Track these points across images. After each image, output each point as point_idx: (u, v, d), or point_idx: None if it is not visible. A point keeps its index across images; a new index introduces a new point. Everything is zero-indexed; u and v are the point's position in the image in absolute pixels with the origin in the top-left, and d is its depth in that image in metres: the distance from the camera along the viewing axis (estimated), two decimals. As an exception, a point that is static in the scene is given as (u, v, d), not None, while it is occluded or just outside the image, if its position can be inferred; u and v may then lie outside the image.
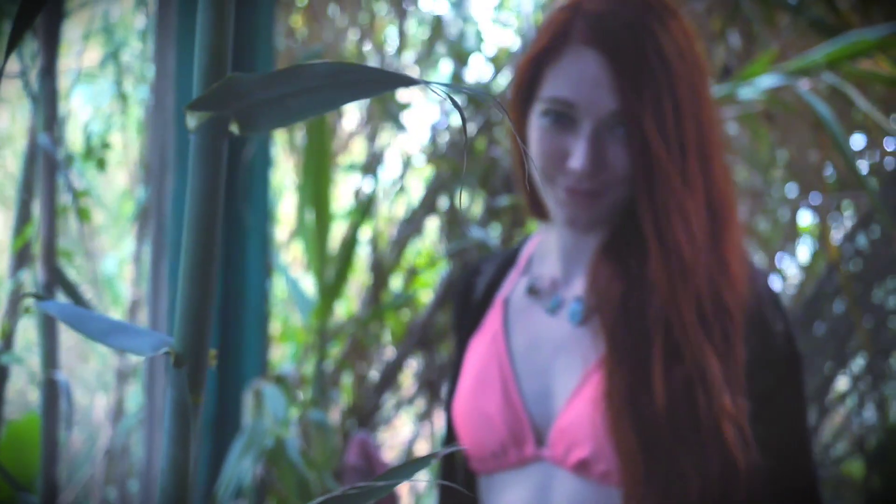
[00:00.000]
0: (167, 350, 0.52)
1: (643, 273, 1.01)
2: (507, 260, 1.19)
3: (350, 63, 0.45)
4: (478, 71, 2.53)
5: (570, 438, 1.02)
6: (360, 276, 2.73)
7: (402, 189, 2.61)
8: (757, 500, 0.98)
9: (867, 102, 1.69)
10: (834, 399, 2.32)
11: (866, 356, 2.23)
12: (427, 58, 2.60)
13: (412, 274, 2.56)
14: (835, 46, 1.61)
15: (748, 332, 1.01)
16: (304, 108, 0.47)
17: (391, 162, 2.60)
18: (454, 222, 2.37)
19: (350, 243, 2.10)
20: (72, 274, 1.87)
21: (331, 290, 2.04)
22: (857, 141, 2.32)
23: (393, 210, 2.65)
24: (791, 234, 2.58)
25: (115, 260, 3.01)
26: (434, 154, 2.45)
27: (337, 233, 2.34)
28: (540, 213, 1.12)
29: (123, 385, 2.49)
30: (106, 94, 2.42)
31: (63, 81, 1.94)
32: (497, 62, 2.44)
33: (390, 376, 2.42)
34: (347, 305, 2.77)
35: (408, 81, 0.45)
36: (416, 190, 2.66)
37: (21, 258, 1.47)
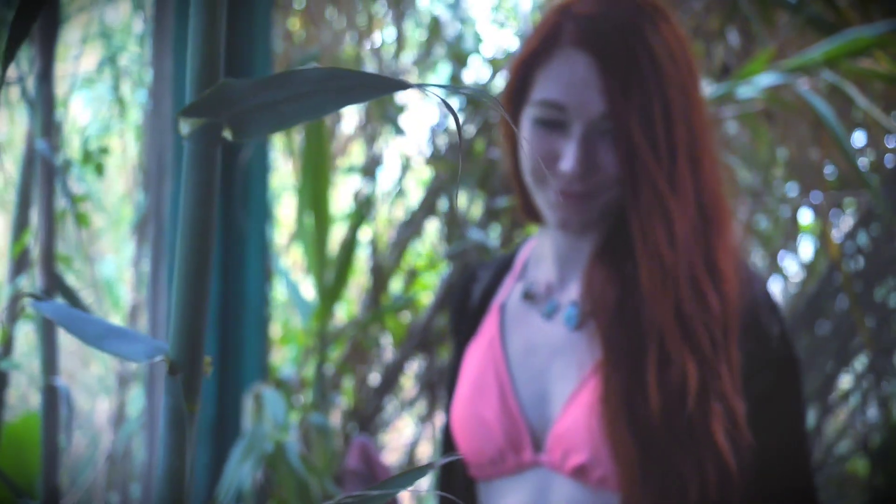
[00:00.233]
0: (162, 357, 0.52)
1: (636, 277, 1.00)
2: (503, 265, 1.19)
3: (342, 69, 0.45)
4: (476, 72, 2.52)
5: (568, 444, 1.01)
6: (360, 279, 2.73)
7: (401, 191, 2.61)
8: (755, 503, 0.98)
9: (866, 100, 1.68)
10: (837, 398, 2.31)
11: (869, 354, 2.23)
12: (425, 59, 2.60)
13: (412, 276, 2.55)
14: (833, 44, 1.60)
15: (744, 337, 1.01)
16: (297, 114, 0.47)
17: (390, 164, 2.60)
18: (454, 224, 2.37)
19: (349, 246, 2.09)
20: (71, 279, 1.87)
21: (330, 292, 2.03)
22: (858, 139, 2.31)
23: (392, 212, 2.64)
24: (792, 233, 2.57)
25: (115, 264, 3.01)
26: (433, 156, 2.45)
27: (336, 236, 2.34)
28: (534, 216, 1.11)
29: (125, 389, 2.49)
30: (105, 99, 2.41)
31: (62, 86, 1.94)
32: (495, 63, 2.44)
33: (391, 379, 2.42)
34: (348, 308, 2.76)
35: (401, 85, 0.45)
36: (415, 192, 2.66)
37: (19, 264, 1.47)
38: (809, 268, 2.56)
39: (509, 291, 1.15)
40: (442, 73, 2.61)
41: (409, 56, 2.68)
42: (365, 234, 2.46)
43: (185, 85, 0.49)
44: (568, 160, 1.00)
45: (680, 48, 1.02)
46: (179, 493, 0.51)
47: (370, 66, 2.50)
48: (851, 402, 2.34)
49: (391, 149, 2.59)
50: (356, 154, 2.76)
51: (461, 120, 2.36)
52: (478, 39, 2.50)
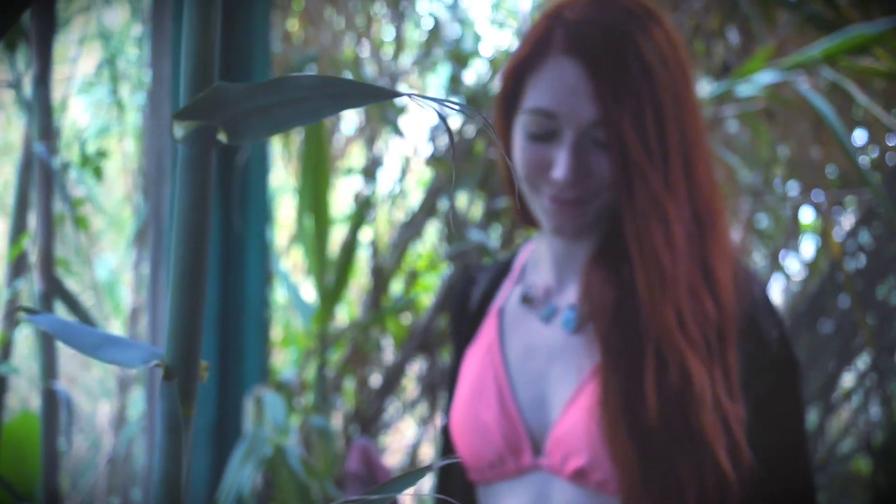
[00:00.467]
0: (157, 363, 0.51)
1: (634, 280, 1.00)
2: (501, 269, 1.19)
3: (335, 77, 0.45)
4: (476, 72, 2.52)
5: (567, 447, 1.01)
6: (360, 280, 2.72)
7: (401, 192, 2.61)
8: None
9: (867, 98, 1.68)
10: (840, 397, 2.31)
11: (871, 353, 2.22)
12: (425, 60, 2.59)
13: (413, 277, 2.55)
14: (833, 42, 1.60)
15: (743, 340, 1.00)
16: (291, 118, 0.47)
17: (390, 165, 2.60)
18: (454, 226, 2.36)
19: (350, 247, 2.09)
20: (71, 282, 1.86)
21: (331, 294, 2.03)
22: (859, 137, 2.31)
23: (392, 213, 2.64)
24: (793, 232, 2.57)
25: (115, 267, 3.00)
26: (433, 157, 2.45)
27: (337, 237, 2.33)
28: (530, 221, 1.11)
29: (126, 393, 2.49)
30: (103, 102, 2.41)
31: (61, 89, 1.94)
32: (495, 64, 2.43)
33: (392, 380, 2.42)
34: (349, 310, 2.76)
35: (391, 94, 0.45)
36: (415, 193, 2.65)
37: (18, 267, 1.46)
38: (811, 266, 2.56)
39: (508, 295, 1.15)
40: (442, 73, 2.61)
41: (408, 57, 2.67)
42: (365, 235, 2.46)
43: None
44: (560, 168, 1.00)
45: (672, 52, 1.01)
46: (176, 499, 0.51)
47: (369, 68, 2.50)
48: (854, 401, 2.33)
49: (391, 150, 2.58)
50: (356, 155, 2.75)
51: (461, 121, 2.35)
52: (477, 40, 2.50)
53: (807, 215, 2.58)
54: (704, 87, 2.00)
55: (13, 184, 1.50)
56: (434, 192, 2.41)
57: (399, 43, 2.56)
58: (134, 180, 2.57)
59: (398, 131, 2.32)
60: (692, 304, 0.99)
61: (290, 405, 1.87)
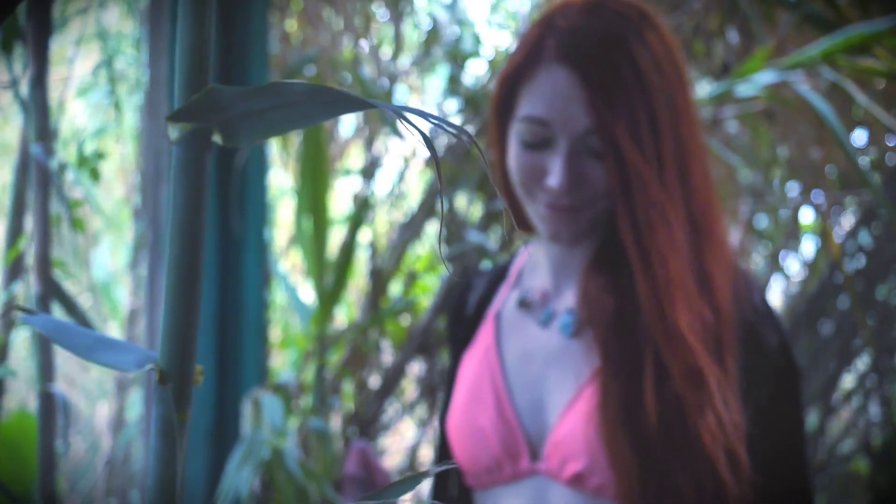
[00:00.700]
0: (152, 367, 0.51)
1: (633, 285, 1.00)
2: (498, 274, 1.19)
3: (327, 86, 0.46)
4: (475, 73, 2.51)
5: (565, 452, 1.01)
6: (359, 282, 2.72)
7: (400, 193, 2.60)
8: None
9: (867, 98, 1.68)
10: (840, 397, 2.31)
11: (871, 354, 2.22)
12: (424, 61, 2.59)
13: (412, 279, 2.54)
14: (832, 41, 1.60)
15: (742, 347, 1.00)
16: (284, 122, 0.47)
17: (389, 166, 2.59)
18: (455, 225, 2.36)
19: (348, 249, 2.08)
20: (68, 284, 1.86)
21: (330, 296, 2.02)
22: (859, 137, 2.30)
23: (391, 215, 2.63)
24: (793, 232, 2.57)
25: (113, 269, 3.00)
26: (432, 158, 2.43)
27: (335, 238, 2.33)
28: (527, 226, 1.11)
29: (124, 394, 2.48)
30: (102, 102, 2.41)
31: (59, 90, 1.93)
32: (494, 65, 2.43)
33: (391, 382, 2.41)
34: (348, 311, 2.75)
35: (381, 106, 0.45)
36: (414, 194, 2.65)
37: (15, 269, 1.46)
38: (811, 267, 2.55)
39: (505, 300, 1.15)
40: (441, 74, 2.61)
41: (407, 58, 2.67)
42: (364, 236, 2.45)
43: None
44: (555, 176, 0.99)
45: (667, 56, 1.01)
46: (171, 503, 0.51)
47: (368, 68, 2.49)
48: (854, 402, 2.33)
49: (390, 151, 2.58)
50: (355, 156, 2.75)
51: (460, 121, 2.35)
52: (476, 41, 2.49)
53: (806, 216, 2.57)
54: (704, 88, 2.00)
55: (10, 185, 1.49)
56: (433, 194, 2.41)
57: (398, 43, 2.56)
58: (132, 181, 2.57)
59: (397, 132, 2.31)
60: (690, 310, 0.98)
61: (289, 407, 1.86)
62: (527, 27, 1.07)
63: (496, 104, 1.06)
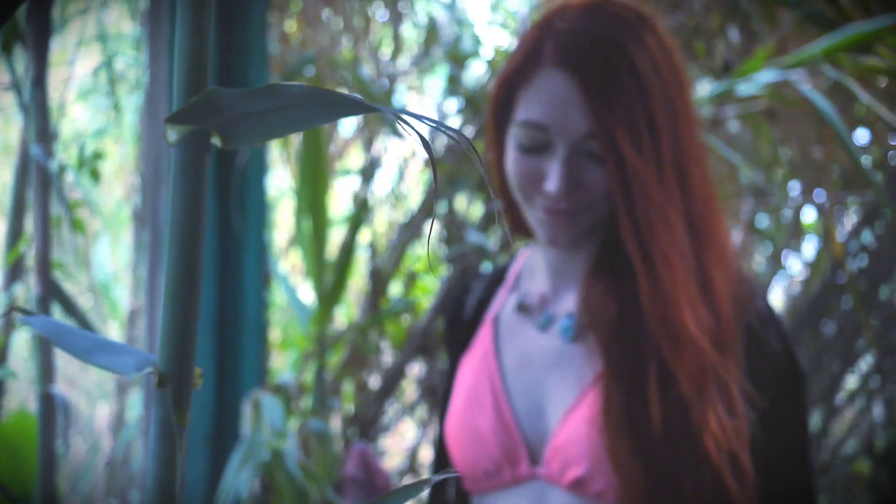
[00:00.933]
0: (151, 370, 0.51)
1: (636, 289, 0.99)
2: (495, 277, 1.19)
3: (325, 89, 0.45)
4: (475, 73, 2.51)
5: (566, 456, 1.00)
6: (359, 282, 2.71)
7: (399, 194, 2.60)
8: None
9: (869, 96, 1.67)
10: (843, 398, 2.30)
11: (874, 354, 2.21)
12: (423, 61, 2.58)
13: (411, 279, 2.54)
14: (834, 40, 1.59)
15: (746, 353, 1.00)
16: (284, 125, 0.47)
17: (388, 167, 2.59)
18: (454, 225, 2.36)
19: (348, 249, 2.08)
20: (68, 285, 1.85)
21: (329, 296, 2.02)
22: (861, 136, 2.30)
23: (391, 215, 2.63)
24: (795, 232, 2.56)
25: (113, 269, 3.00)
26: (429, 161, 2.43)
27: (335, 239, 2.32)
28: (524, 232, 1.10)
29: (124, 395, 2.48)
30: (102, 103, 2.40)
31: (59, 91, 1.93)
32: (494, 65, 2.42)
33: (392, 383, 2.41)
34: (347, 312, 2.75)
35: (380, 109, 0.45)
36: (414, 194, 2.64)
37: (15, 270, 1.45)
38: (813, 267, 2.55)
39: (503, 303, 1.14)
40: (440, 74, 2.60)
41: (406, 58, 2.66)
42: (364, 236, 2.45)
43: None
44: (553, 181, 0.99)
45: (666, 59, 1.00)
46: (170, 508, 0.51)
47: (367, 68, 2.49)
48: (857, 403, 2.32)
49: (389, 151, 2.57)
50: (354, 156, 2.74)
51: (460, 121, 2.34)
52: (476, 41, 2.49)
53: (809, 215, 2.57)
54: (705, 87, 2.00)
55: (10, 186, 1.49)
56: (433, 194, 2.40)
57: (397, 44, 2.55)
58: (132, 182, 2.56)
59: (396, 133, 2.31)
60: (693, 313, 0.98)
61: (289, 408, 1.86)
62: (525, 29, 1.06)
63: (494, 107, 1.06)
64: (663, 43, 1.01)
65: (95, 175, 1.75)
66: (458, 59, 2.41)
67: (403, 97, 2.59)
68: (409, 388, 2.58)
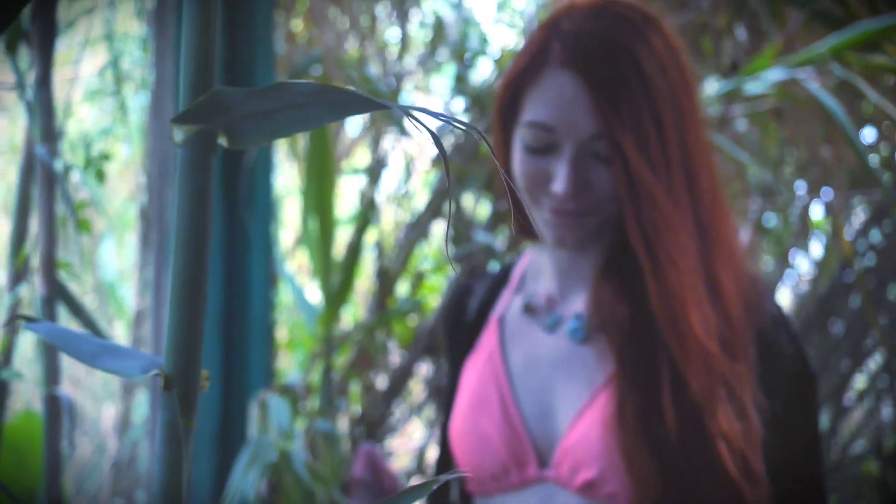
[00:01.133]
0: (156, 372, 0.50)
1: (645, 291, 0.99)
2: (499, 279, 1.18)
3: (333, 86, 0.45)
4: (482, 73, 2.50)
5: (577, 459, 0.99)
6: (366, 282, 2.71)
7: (406, 193, 2.59)
8: None
9: (877, 94, 1.66)
10: (852, 398, 2.29)
11: (883, 353, 2.20)
12: (430, 60, 2.58)
13: (419, 279, 2.53)
14: (841, 38, 1.58)
15: (757, 356, 0.99)
16: (291, 124, 0.46)
17: (395, 166, 2.58)
18: (462, 224, 2.35)
19: (355, 249, 2.07)
20: (74, 285, 1.85)
21: (336, 296, 2.01)
22: (868, 135, 2.29)
23: (398, 214, 2.63)
24: (803, 231, 2.55)
25: (119, 269, 3.00)
26: (439, 157, 2.43)
27: (342, 239, 2.32)
28: (530, 234, 1.10)
29: (130, 395, 2.48)
30: (108, 103, 2.41)
31: (65, 90, 1.93)
32: (501, 64, 2.42)
33: (399, 383, 2.40)
34: (354, 312, 2.75)
35: (389, 107, 0.44)
36: (421, 193, 2.64)
37: (20, 271, 1.45)
38: (821, 266, 2.54)
39: (508, 304, 1.14)
40: (447, 74, 2.60)
41: (413, 57, 2.66)
42: (371, 236, 2.44)
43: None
44: (559, 182, 0.99)
45: (672, 60, 1.00)
46: (176, 512, 0.50)
47: (374, 68, 2.49)
48: (866, 402, 2.31)
49: (396, 150, 2.57)
50: (361, 156, 2.74)
51: (468, 120, 2.34)
52: (483, 40, 2.48)
53: (816, 214, 2.56)
54: (713, 86, 1.99)
55: (16, 186, 1.49)
56: (440, 193, 2.40)
57: (404, 43, 2.55)
58: (138, 182, 2.56)
59: (404, 131, 2.30)
60: (699, 317, 0.97)
61: (296, 409, 1.85)
62: (532, 30, 1.06)
63: (500, 108, 1.06)
64: (670, 43, 1.01)
65: (101, 175, 1.75)
66: (464, 59, 2.41)
67: (410, 96, 2.59)
68: (417, 389, 2.58)
